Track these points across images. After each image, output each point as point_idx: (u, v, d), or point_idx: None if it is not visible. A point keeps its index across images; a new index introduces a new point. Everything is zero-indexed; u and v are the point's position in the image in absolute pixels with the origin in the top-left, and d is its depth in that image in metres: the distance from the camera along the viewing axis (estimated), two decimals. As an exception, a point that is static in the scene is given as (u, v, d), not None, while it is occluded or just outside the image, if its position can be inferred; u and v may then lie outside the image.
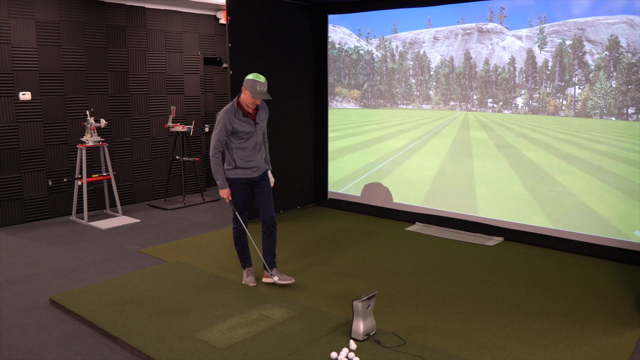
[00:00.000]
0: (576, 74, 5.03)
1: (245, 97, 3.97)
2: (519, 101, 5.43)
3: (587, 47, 4.92)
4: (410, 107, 6.23)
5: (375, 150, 6.60)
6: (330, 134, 6.98)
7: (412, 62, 6.05)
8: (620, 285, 4.27)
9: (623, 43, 4.71)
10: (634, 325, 3.58)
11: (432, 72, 5.99)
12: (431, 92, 6.05)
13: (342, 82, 6.66)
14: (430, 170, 6.13)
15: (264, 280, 4.33)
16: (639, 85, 4.70)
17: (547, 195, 5.32)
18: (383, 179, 6.53)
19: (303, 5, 6.63)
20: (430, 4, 5.91)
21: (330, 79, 6.85)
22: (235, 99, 4.05)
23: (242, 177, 4.11)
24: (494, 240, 5.46)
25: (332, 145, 6.99)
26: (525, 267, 4.70)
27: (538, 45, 5.21)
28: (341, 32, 6.47)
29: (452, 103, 5.89)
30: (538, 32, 5.19)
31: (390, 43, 6.12)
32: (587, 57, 4.94)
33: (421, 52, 5.92)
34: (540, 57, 5.21)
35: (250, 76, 3.92)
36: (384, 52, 6.16)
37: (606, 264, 4.79)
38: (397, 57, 6.12)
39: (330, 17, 6.74)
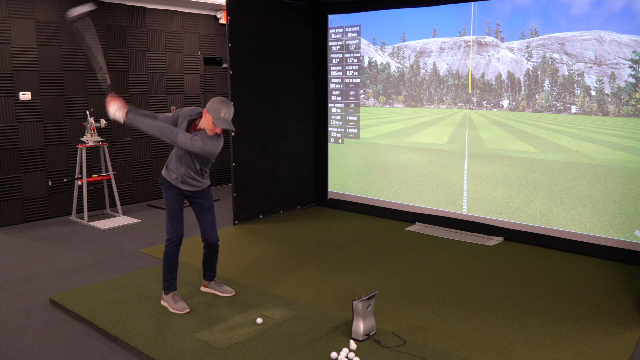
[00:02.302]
0: (565, 81, 5.07)
1: (206, 121, 3.50)
2: (520, 105, 5.45)
3: (565, 59, 5.15)
4: (418, 107, 6.26)
5: (374, 149, 6.61)
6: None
7: (424, 71, 6.11)
8: (620, 285, 4.27)
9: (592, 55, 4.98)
10: (634, 325, 3.58)
11: (441, 83, 6.02)
12: (437, 97, 6.07)
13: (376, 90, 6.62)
14: (430, 170, 6.13)
15: (203, 289, 4.11)
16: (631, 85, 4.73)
17: (547, 195, 5.33)
18: (383, 177, 6.54)
19: (303, 5, 6.63)
20: (429, 4, 5.92)
21: (369, 90, 6.84)
22: (195, 118, 3.60)
23: (170, 181, 3.73)
24: (494, 240, 5.46)
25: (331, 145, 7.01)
26: (525, 267, 4.70)
27: (526, 58, 5.38)
28: (361, 43, 6.54)
29: (459, 104, 5.91)
30: (526, 45, 5.36)
31: (402, 52, 6.20)
32: (564, 67, 5.14)
33: (430, 62, 6.04)
34: (528, 66, 5.38)
35: (216, 100, 3.47)
36: (399, 63, 6.22)
37: (606, 264, 4.79)
38: (408, 63, 6.18)
39: (342, 25, 6.75)
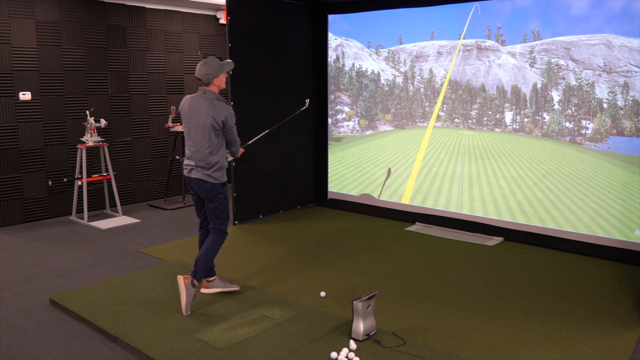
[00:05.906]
0: (571, 93, 5.04)
1: (220, 81, 3.72)
2: (517, 119, 5.44)
3: (572, 65, 5.02)
4: (420, 124, 6.16)
5: (375, 150, 6.61)
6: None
7: (419, 77, 6.02)
8: (620, 285, 4.27)
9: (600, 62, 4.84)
10: (634, 325, 3.58)
11: (436, 96, 5.94)
12: (431, 114, 6.06)
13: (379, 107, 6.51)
14: (430, 170, 6.13)
15: (204, 290, 4.05)
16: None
17: (547, 195, 5.32)
18: (382, 178, 6.53)
19: (303, 5, 6.63)
20: (429, 4, 5.91)
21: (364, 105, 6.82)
22: (216, 96, 3.73)
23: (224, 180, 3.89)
24: (494, 240, 5.46)
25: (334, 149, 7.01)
26: (525, 267, 4.70)
27: (529, 64, 5.26)
28: (354, 47, 6.49)
29: (456, 120, 5.85)
30: (529, 50, 5.24)
31: (398, 56, 6.13)
32: (571, 75, 5.02)
33: (426, 67, 5.93)
34: (532, 73, 5.28)
35: (203, 67, 3.63)
36: (393, 68, 6.14)
37: (606, 264, 4.79)
38: (403, 69, 6.07)
39: (342, 26, 6.74)
